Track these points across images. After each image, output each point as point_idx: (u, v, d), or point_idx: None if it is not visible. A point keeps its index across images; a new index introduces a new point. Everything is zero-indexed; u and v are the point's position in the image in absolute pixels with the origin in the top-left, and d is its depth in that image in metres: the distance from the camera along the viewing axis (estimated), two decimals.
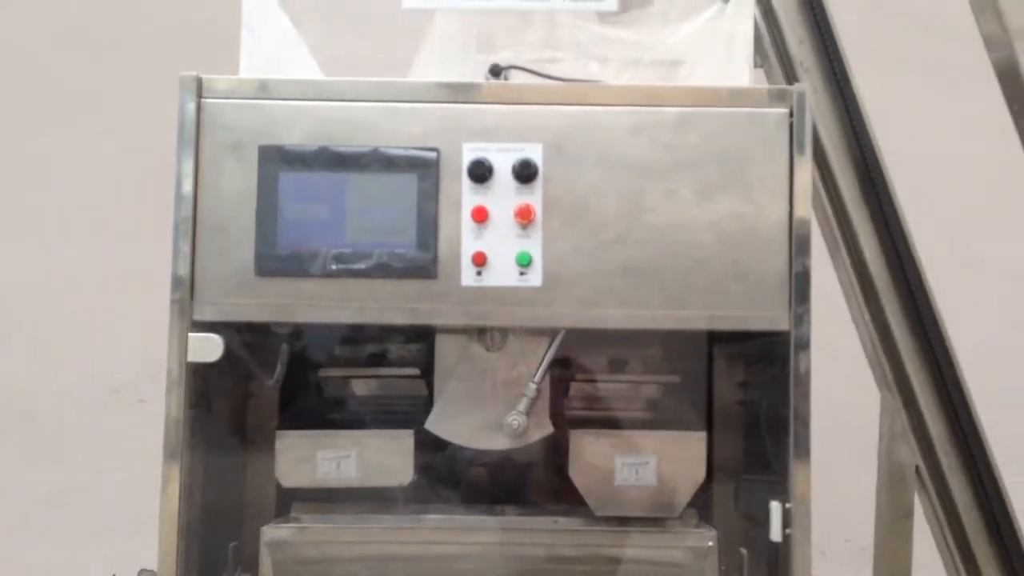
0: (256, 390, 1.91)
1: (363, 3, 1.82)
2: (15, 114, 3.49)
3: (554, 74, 1.71)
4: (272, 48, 1.76)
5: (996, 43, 1.86)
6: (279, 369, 1.66)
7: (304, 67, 1.75)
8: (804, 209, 1.54)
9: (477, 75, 1.73)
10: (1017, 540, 2.21)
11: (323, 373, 1.82)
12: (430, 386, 1.78)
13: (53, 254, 3.47)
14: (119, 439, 3.47)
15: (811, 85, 2.29)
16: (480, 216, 1.54)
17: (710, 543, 1.68)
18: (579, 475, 1.71)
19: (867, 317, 2.25)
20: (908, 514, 2.30)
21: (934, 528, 2.30)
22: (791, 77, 2.16)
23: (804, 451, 1.52)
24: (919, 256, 2.27)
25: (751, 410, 1.91)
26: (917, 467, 2.27)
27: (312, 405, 1.86)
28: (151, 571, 3.89)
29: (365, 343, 1.85)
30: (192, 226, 1.54)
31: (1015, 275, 3.33)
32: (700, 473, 1.72)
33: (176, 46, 3.41)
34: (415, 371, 1.83)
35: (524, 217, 1.53)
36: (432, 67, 1.75)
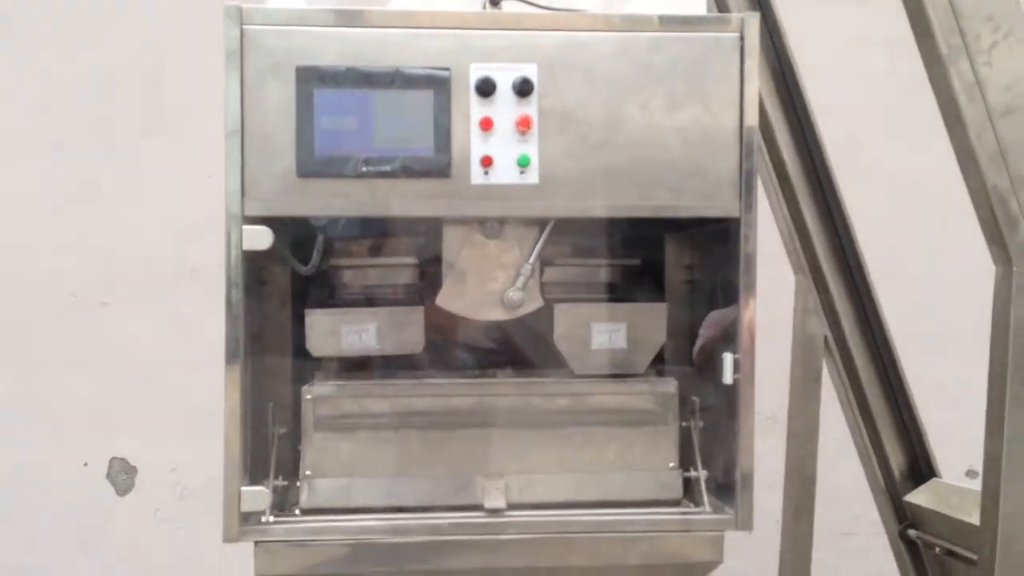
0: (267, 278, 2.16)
1: None
2: None
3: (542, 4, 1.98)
4: None
5: None
6: (315, 257, 1.92)
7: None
8: (752, 118, 1.83)
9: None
10: (908, 399, 2.58)
11: (334, 263, 2.10)
12: (423, 275, 2.08)
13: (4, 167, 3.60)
14: (81, 340, 3.67)
15: (737, 5, 2.61)
16: (487, 125, 1.81)
17: (673, 389, 2.02)
18: (562, 341, 2.02)
19: (784, 211, 2.60)
20: (817, 377, 2.70)
21: (838, 389, 2.69)
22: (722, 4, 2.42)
23: (751, 312, 1.84)
24: (830, 161, 2.64)
25: (696, 288, 2.26)
26: (825, 337, 2.67)
27: (326, 291, 2.14)
28: (122, 459, 4.13)
29: (370, 238, 2.14)
30: (240, 137, 1.78)
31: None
32: (661, 337, 2.05)
33: None
34: (413, 260, 2.12)
35: (524, 126, 1.81)
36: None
